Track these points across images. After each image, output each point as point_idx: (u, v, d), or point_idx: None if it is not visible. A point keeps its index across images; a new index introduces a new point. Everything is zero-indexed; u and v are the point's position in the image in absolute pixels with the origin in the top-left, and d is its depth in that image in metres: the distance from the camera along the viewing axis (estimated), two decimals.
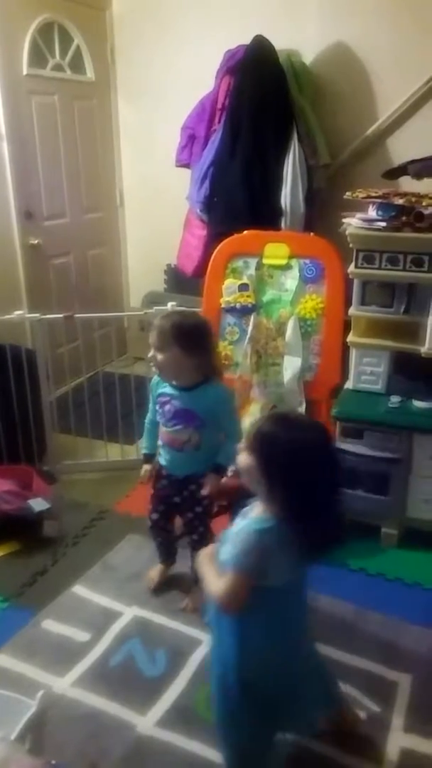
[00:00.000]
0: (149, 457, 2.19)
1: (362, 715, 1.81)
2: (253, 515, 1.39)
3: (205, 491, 2.06)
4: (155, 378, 2.10)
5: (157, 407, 2.09)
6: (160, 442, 2.14)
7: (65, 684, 1.90)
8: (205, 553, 1.49)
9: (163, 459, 2.15)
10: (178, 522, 2.27)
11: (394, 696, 1.87)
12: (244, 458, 1.37)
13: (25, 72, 3.37)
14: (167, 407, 2.04)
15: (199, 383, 2.00)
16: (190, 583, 2.21)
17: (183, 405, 2.01)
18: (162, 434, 2.11)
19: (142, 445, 2.24)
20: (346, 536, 1.43)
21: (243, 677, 1.43)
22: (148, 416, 2.17)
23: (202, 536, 2.15)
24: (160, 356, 1.96)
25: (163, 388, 2.06)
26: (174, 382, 2.02)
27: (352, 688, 1.89)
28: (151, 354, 1.99)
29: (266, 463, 1.33)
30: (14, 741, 1.30)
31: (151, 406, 2.14)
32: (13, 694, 1.47)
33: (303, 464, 1.31)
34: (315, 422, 1.40)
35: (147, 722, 1.77)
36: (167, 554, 2.33)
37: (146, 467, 2.18)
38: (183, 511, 2.16)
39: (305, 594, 1.52)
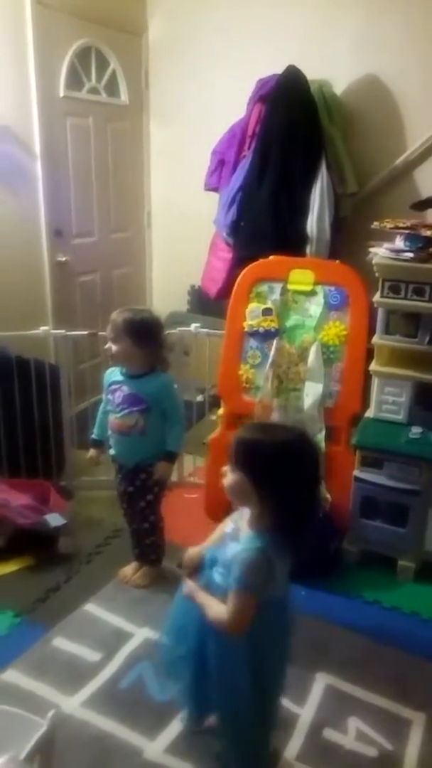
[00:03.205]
0: (96, 443, 2.40)
1: (374, 752, 1.78)
2: (245, 535, 1.41)
3: (156, 476, 2.27)
4: (108, 371, 2.33)
5: (109, 396, 2.29)
6: (109, 433, 2.30)
7: (74, 704, 1.88)
8: (191, 585, 1.49)
9: (113, 449, 2.33)
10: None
11: (407, 734, 1.83)
12: (229, 476, 1.39)
13: (62, 94, 3.46)
14: (117, 393, 2.25)
15: (147, 372, 2.23)
16: (139, 564, 2.44)
17: (131, 390, 2.23)
18: (111, 423, 2.29)
19: (93, 432, 2.43)
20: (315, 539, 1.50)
21: (257, 684, 1.46)
22: (101, 407, 2.37)
23: (153, 525, 2.38)
24: (114, 347, 2.20)
25: (115, 377, 2.28)
26: (125, 370, 2.25)
27: (363, 724, 1.86)
28: (107, 345, 2.23)
29: (254, 472, 1.35)
30: (23, 761, 1.29)
31: (104, 397, 2.34)
32: (23, 712, 1.46)
33: (291, 466, 1.35)
34: (291, 426, 1.46)
35: (155, 747, 1.75)
36: (140, 549, 2.45)
37: (93, 451, 2.41)
38: (136, 500, 2.34)
39: (291, 600, 1.55)
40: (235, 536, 1.44)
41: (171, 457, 2.32)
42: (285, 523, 1.35)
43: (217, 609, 1.40)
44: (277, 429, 1.46)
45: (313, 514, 1.42)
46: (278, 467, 1.35)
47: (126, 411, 2.23)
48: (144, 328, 2.19)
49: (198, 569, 1.50)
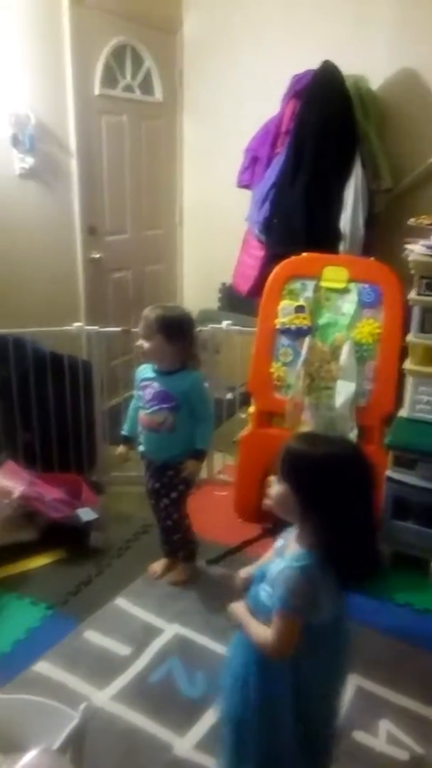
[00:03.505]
0: (127, 439, 2.40)
1: (405, 756, 1.75)
2: (290, 552, 1.32)
3: (184, 474, 2.27)
4: (140, 368, 2.33)
5: (140, 392, 2.29)
6: (139, 429, 2.32)
7: (104, 697, 1.90)
8: (238, 606, 1.40)
9: (143, 446, 2.33)
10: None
11: None
12: (275, 487, 1.31)
13: (97, 92, 3.48)
14: (148, 390, 2.25)
15: (178, 369, 2.22)
16: (173, 561, 2.46)
17: (161, 387, 2.23)
18: (141, 420, 2.29)
19: (123, 429, 2.42)
20: (382, 560, 1.38)
21: (301, 717, 1.36)
22: (132, 403, 2.37)
23: (176, 523, 2.38)
24: (146, 344, 2.20)
25: (146, 373, 2.28)
26: (156, 367, 2.25)
27: (394, 727, 1.84)
28: (139, 342, 2.23)
29: (299, 485, 1.27)
30: (57, 752, 1.31)
31: (135, 393, 2.35)
32: (57, 703, 1.48)
33: (337, 482, 1.26)
34: (343, 439, 1.34)
35: (185, 744, 1.76)
36: (168, 544, 2.46)
37: (122, 447, 2.41)
38: (161, 497, 2.35)
39: (346, 622, 1.43)
40: (281, 552, 1.36)
41: (199, 455, 2.31)
42: (328, 542, 1.25)
43: (261, 631, 1.31)
44: (327, 442, 1.33)
45: (364, 536, 1.29)
46: (320, 483, 1.26)
47: (156, 408, 2.24)
48: (176, 325, 2.19)
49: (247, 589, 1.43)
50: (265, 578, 1.35)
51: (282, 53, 3.49)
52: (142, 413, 2.29)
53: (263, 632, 1.30)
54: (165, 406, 2.23)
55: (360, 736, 1.80)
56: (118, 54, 3.62)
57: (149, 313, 2.20)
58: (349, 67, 3.13)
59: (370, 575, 1.35)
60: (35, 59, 3.11)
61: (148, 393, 2.26)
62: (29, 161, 3.13)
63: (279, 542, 1.40)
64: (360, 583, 1.34)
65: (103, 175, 3.64)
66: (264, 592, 1.34)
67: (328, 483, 1.26)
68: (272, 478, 1.33)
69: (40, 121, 3.14)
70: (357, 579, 1.34)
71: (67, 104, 3.32)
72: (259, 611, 1.35)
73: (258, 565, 1.45)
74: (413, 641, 2.15)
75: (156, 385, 2.24)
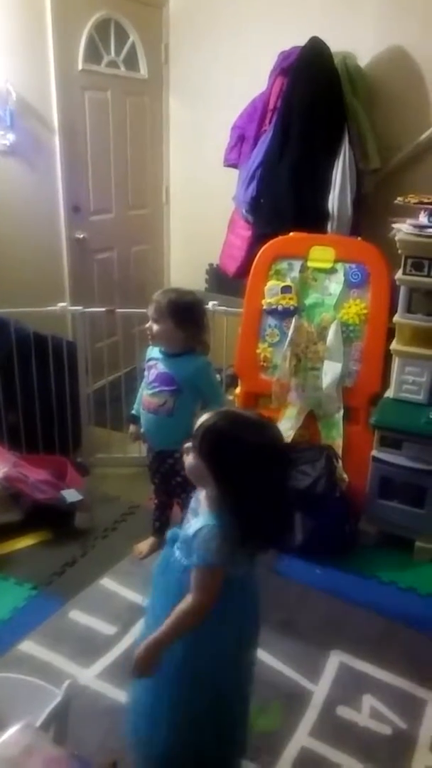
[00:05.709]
0: (135, 418, 2.38)
1: (387, 730, 1.78)
2: (202, 511, 1.37)
3: (185, 446, 2.18)
4: (149, 347, 2.29)
5: (145, 371, 2.29)
6: (141, 410, 2.31)
7: (90, 676, 1.91)
8: (140, 650, 1.39)
9: (143, 427, 2.33)
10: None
11: (422, 714, 1.83)
12: (190, 458, 1.35)
13: (80, 67, 3.41)
14: (152, 370, 2.25)
15: (183, 353, 2.19)
16: (156, 540, 2.45)
17: (165, 368, 2.22)
18: (143, 399, 2.29)
19: (132, 408, 2.43)
20: (289, 532, 1.44)
21: (195, 672, 1.40)
22: (142, 383, 2.34)
23: (185, 501, 2.33)
24: (155, 327, 2.17)
25: (153, 353, 2.27)
26: (163, 348, 2.23)
27: (378, 702, 1.86)
28: (148, 324, 2.19)
29: (211, 461, 1.31)
30: (38, 729, 1.31)
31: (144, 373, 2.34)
32: (39, 681, 1.47)
33: (249, 462, 1.30)
34: (262, 420, 1.39)
35: None
36: (160, 522, 2.47)
37: (133, 427, 2.41)
38: (168, 479, 2.35)
39: (256, 589, 1.48)
40: (196, 512, 1.41)
41: None
42: (236, 511, 1.30)
43: (177, 611, 1.34)
44: (243, 425, 1.34)
45: (271, 517, 1.34)
46: (234, 462, 1.30)
47: (157, 389, 2.22)
48: (188, 311, 2.16)
49: None
50: (179, 538, 1.41)
51: (270, 29, 3.42)
52: (144, 393, 2.28)
53: (180, 607, 1.33)
54: (166, 388, 2.21)
55: (343, 710, 1.82)
56: (102, 28, 3.54)
57: (161, 297, 2.16)
58: (337, 43, 3.08)
59: (274, 545, 1.43)
60: (15, 33, 3.03)
61: (152, 374, 2.24)
62: (10, 138, 3.06)
63: (193, 501, 1.45)
64: (264, 550, 1.41)
65: (87, 153, 3.57)
66: (178, 550, 1.40)
67: (238, 465, 1.30)
68: (187, 446, 1.36)
69: (21, 96, 3.07)
70: (261, 546, 1.39)
71: (49, 80, 3.24)
72: (173, 570, 1.40)
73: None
74: (397, 618, 2.16)
75: (160, 367, 2.22)
